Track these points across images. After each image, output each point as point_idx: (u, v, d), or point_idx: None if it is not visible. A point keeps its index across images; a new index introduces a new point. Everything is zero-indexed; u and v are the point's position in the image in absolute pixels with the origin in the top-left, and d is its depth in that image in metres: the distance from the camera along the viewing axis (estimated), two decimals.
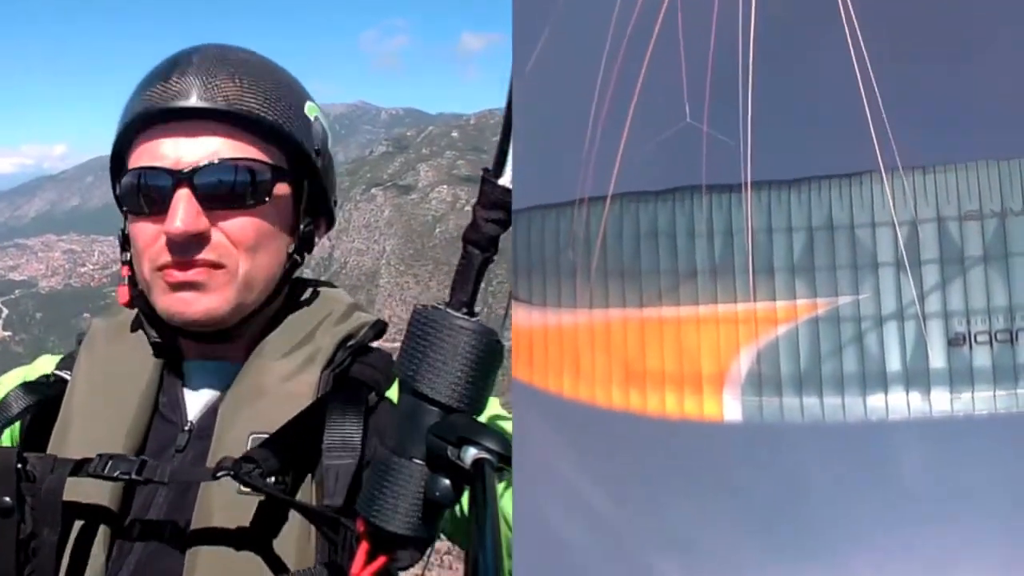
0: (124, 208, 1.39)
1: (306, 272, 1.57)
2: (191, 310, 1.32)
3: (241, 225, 1.34)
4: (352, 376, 1.40)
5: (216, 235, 1.33)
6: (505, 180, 0.92)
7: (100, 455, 1.27)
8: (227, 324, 1.37)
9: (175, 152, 1.32)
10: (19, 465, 1.25)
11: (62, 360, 1.51)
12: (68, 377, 1.44)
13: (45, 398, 1.41)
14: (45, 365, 1.52)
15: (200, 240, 1.32)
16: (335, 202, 1.57)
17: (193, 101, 1.32)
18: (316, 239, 1.51)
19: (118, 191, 1.40)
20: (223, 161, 1.32)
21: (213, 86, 1.33)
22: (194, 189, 1.30)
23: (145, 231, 1.35)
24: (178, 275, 1.32)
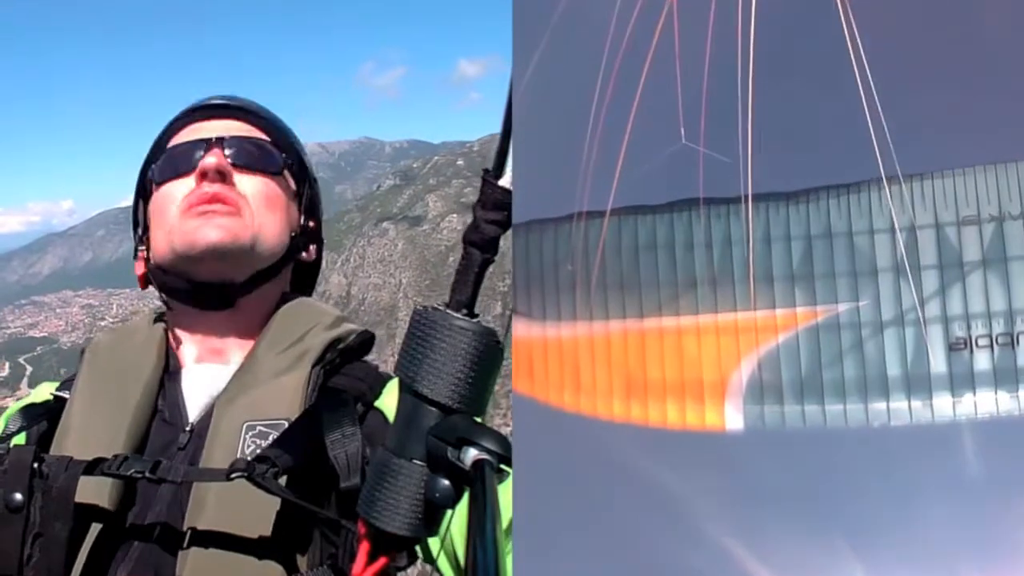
0: (156, 181, 1.58)
1: None
2: (208, 236, 1.47)
3: (257, 184, 1.55)
4: (340, 387, 1.44)
5: (239, 185, 1.54)
6: (505, 181, 0.91)
7: (115, 455, 1.30)
8: (235, 272, 1.48)
9: (207, 131, 1.56)
10: (34, 464, 1.27)
11: (63, 383, 1.54)
12: (68, 396, 1.47)
13: (47, 412, 1.45)
14: (44, 392, 1.54)
15: (225, 183, 1.51)
16: (322, 241, 1.71)
17: (222, 101, 1.60)
18: (307, 255, 1.65)
19: (153, 172, 1.60)
20: (247, 137, 1.58)
21: (236, 100, 1.61)
22: (223, 150, 1.53)
23: (176, 188, 1.54)
24: (204, 206, 1.50)
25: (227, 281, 1.51)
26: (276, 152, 1.60)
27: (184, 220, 1.50)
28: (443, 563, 1.32)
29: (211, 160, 1.49)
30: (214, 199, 1.49)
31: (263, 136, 1.61)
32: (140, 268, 1.61)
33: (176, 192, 1.53)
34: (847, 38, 1.43)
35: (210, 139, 1.54)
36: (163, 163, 1.57)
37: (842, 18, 1.44)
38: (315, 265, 1.75)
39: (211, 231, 1.47)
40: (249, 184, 1.54)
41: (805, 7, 1.55)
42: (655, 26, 1.55)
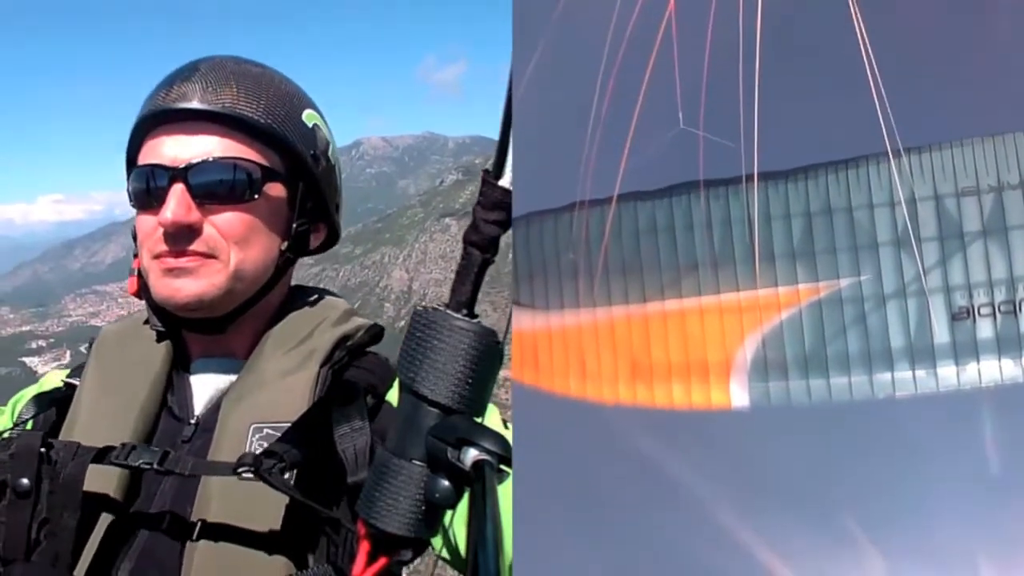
0: (132, 203, 1.45)
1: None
2: (180, 294, 1.38)
3: (231, 219, 1.40)
4: (350, 380, 1.42)
5: (208, 228, 1.38)
6: (505, 181, 0.91)
7: (123, 444, 1.29)
8: (217, 311, 1.41)
9: (174, 151, 1.39)
10: (42, 449, 1.27)
11: (73, 371, 1.53)
12: (78, 383, 1.47)
13: (57, 400, 1.44)
14: (54, 380, 1.54)
15: (191, 232, 1.37)
16: (338, 207, 1.58)
17: (192, 104, 1.39)
18: (313, 241, 1.54)
19: (128, 188, 1.47)
20: (216, 160, 1.38)
21: (212, 91, 1.40)
22: (188, 184, 1.36)
23: (146, 223, 1.42)
24: (171, 261, 1.38)
25: (212, 318, 1.45)
26: (254, 168, 1.41)
27: (154, 271, 1.41)
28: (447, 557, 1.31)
29: (168, 216, 1.34)
30: (180, 254, 1.37)
31: (238, 149, 1.41)
32: (132, 286, 1.50)
33: (147, 226, 1.41)
34: (853, 15, 1.42)
35: (174, 171, 1.38)
36: (132, 187, 1.46)
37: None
38: (332, 235, 1.63)
39: (180, 291, 1.37)
40: (222, 219, 1.39)
41: None
42: (659, 14, 1.54)
